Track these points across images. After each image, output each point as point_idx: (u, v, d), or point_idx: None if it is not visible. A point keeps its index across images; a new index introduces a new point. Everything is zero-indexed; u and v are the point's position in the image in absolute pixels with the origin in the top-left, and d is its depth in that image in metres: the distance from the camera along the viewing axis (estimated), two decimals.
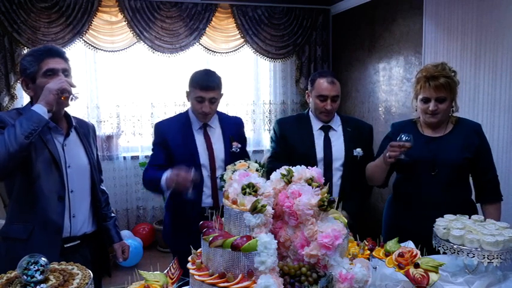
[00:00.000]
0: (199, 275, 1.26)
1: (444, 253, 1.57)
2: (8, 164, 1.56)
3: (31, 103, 1.78)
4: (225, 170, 1.92)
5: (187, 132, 2.23)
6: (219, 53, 4.59)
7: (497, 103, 2.79)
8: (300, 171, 1.47)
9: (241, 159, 1.92)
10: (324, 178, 1.52)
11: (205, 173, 2.21)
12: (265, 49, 4.66)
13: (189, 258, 1.38)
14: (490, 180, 2.04)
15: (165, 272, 1.41)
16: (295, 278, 1.25)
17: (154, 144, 2.29)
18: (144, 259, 4.11)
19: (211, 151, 2.23)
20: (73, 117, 1.91)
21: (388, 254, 1.49)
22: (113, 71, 4.43)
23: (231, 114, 2.65)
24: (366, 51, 4.30)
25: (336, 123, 2.35)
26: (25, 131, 1.56)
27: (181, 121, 2.28)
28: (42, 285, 1.18)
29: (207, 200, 2.22)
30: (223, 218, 1.38)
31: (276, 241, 1.24)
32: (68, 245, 1.80)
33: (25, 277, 1.18)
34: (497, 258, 1.45)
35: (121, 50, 4.28)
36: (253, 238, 1.23)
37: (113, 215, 2.12)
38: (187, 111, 2.32)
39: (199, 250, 1.39)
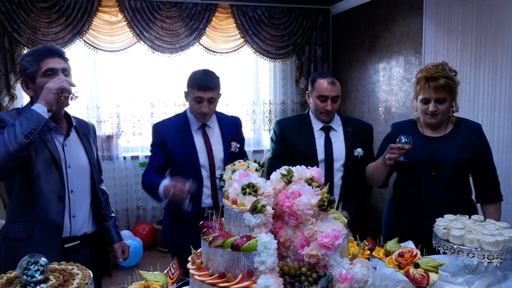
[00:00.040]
0: (199, 275, 1.26)
1: (444, 253, 1.57)
2: (7, 163, 1.56)
3: (31, 103, 1.77)
4: (224, 170, 1.93)
5: (186, 133, 2.22)
6: (219, 53, 4.59)
7: (497, 103, 2.79)
8: (300, 171, 1.47)
9: (240, 159, 1.93)
10: (324, 178, 1.51)
11: (205, 173, 2.21)
12: (265, 49, 4.66)
13: (189, 258, 1.38)
14: (490, 180, 2.04)
15: (165, 272, 1.41)
16: (295, 278, 1.24)
17: (152, 145, 2.27)
18: (144, 259, 4.11)
19: (210, 151, 2.22)
20: (73, 117, 1.91)
21: (388, 254, 1.49)
22: (112, 71, 4.43)
23: (230, 114, 2.64)
24: (366, 51, 4.30)
25: (337, 124, 2.34)
26: (25, 130, 1.56)
27: (179, 122, 2.27)
28: (42, 285, 1.18)
29: (206, 200, 2.22)
30: (223, 218, 1.38)
31: (276, 241, 1.24)
32: (68, 245, 1.80)
33: (25, 277, 1.18)
34: (497, 258, 1.45)
35: (121, 50, 4.28)
36: (253, 238, 1.23)
37: (113, 215, 2.12)
38: (185, 112, 2.31)
39: (199, 250, 1.39)
